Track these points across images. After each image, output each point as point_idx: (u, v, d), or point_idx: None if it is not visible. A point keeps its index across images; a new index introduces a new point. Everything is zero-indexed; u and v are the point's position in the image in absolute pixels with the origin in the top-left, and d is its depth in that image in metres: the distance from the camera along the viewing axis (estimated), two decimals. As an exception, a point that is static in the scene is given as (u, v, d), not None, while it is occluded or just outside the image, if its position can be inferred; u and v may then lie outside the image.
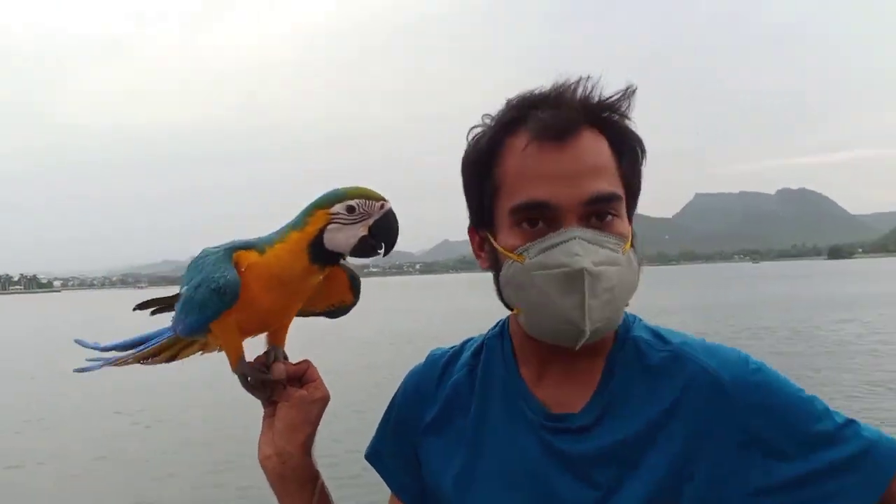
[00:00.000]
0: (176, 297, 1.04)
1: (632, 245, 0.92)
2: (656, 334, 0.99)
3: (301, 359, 1.03)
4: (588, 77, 0.91)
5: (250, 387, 0.98)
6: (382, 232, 0.94)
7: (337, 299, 1.07)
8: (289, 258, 0.94)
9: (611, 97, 0.92)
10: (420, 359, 1.14)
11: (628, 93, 0.93)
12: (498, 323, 1.08)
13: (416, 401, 1.08)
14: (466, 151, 0.98)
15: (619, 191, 0.91)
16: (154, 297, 1.12)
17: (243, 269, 0.94)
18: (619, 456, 0.91)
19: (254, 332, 1.01)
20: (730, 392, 0.90)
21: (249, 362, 0.98)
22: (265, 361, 0.99)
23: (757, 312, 25.51)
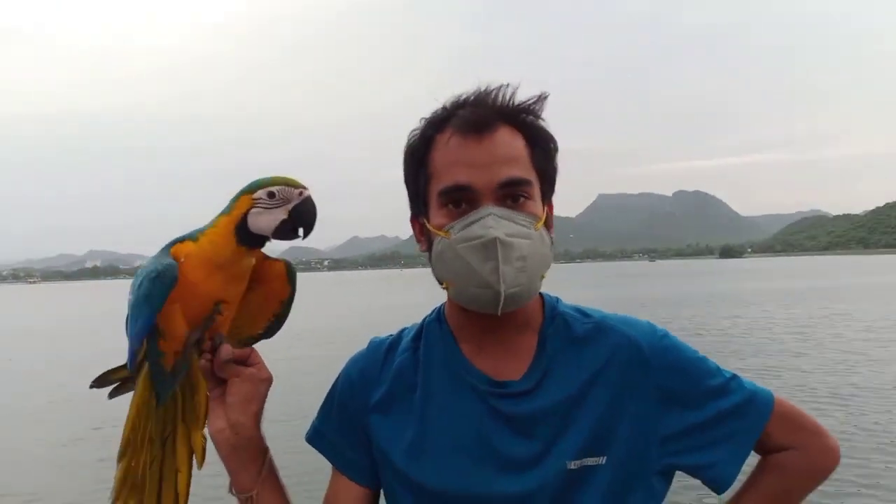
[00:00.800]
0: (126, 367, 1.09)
1: (546, 226, 1.07)
2: (579, 310, 1.16)
3: None
4: (507, 84, 1.07)
5: (199, 367, 1.06)
6: (301, 216, 1.02)
7: (276, 299, 1.15)
8: (219, 241, 1.02)
9: (526, 101, 1.07)
10: (333, 357, 1.20)
11: (541, 97, 1.08)
12: (434, 310, 1.20)
13: (362, 384, 1.16)
14: (405, 148, 1.11)
15: (531, 177, 1.05)
16: (111, 367, 1.13)
17: (182, 260, 1.01)
18: (556, 414, 1.05)
19: (202, 321, 1.05)
20: (647, 355, 1.08)
21: (198, 345, 1.06)
22: (212, 346, 1.06)
23: (652, 308, 26.41)
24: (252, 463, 1.08)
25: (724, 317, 23.37)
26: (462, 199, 1.03)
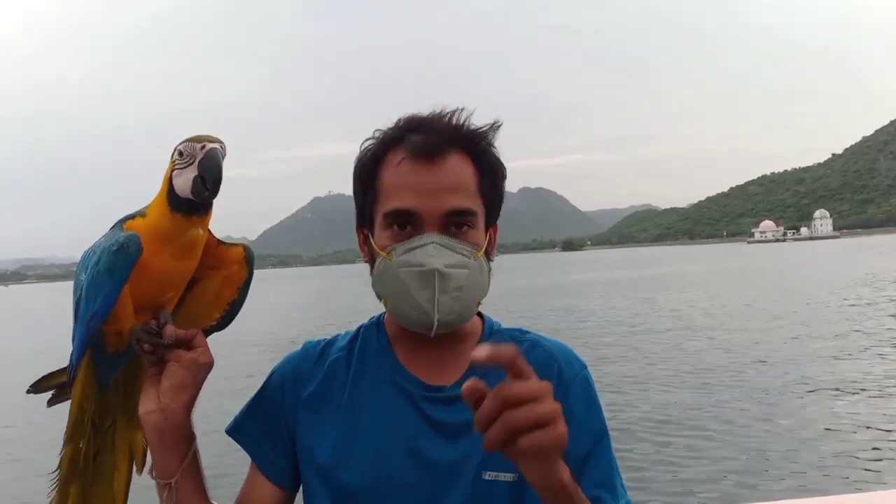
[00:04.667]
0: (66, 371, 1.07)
1: (487, 252, 1.10)
2: (518, 329, 1.20)
3: None
4: (462, 109, 1.09)
5: (141, 348, 1.02)
6: (205, 171, 0.97)
7: (233, 284, 1.14)
8: (159, 212, 0.99)
9: (480, 127, 1.09)
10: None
11: (495, 126, 1.10)
12: (373, 317, 1.21)
13: (293, 381, 1.15)
14: (356, 161, 1.12)
15: (476, 207, 1.07)
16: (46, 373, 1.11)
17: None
18: None
19: (150, 302, 1.03)
20: (565, 379, 1.11)
21: (141, 326, 1.02)
22: (157, 325, 1.02)
23: (498, 302, 27.28)
24: (177, 449, 1.05)
25: (560, 307, 24.74)
26: (406, 223, 1.05)
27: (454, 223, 1.05)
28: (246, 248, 1.15)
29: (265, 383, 1.19)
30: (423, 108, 1.10)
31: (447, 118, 1.07)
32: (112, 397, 1.10)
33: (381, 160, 1.08)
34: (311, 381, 1.15)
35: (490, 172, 1.10)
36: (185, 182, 0.97)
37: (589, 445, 1.09)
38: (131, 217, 1.02)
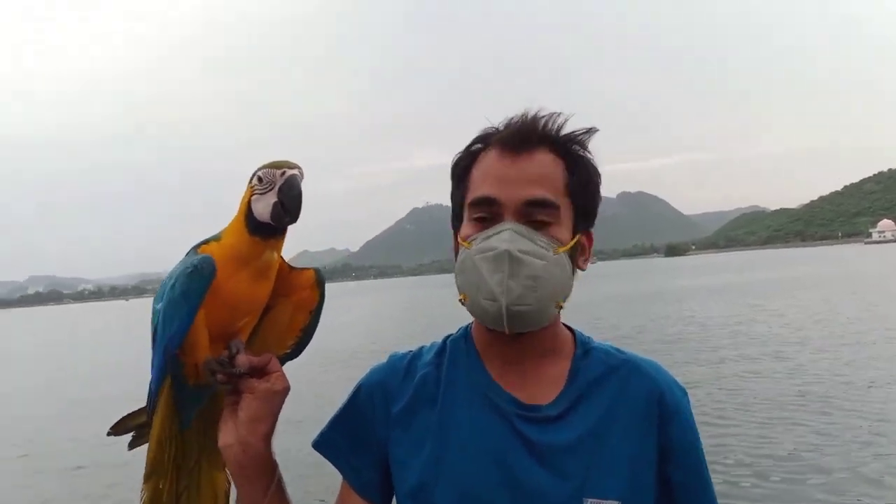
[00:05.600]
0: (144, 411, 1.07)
1: (572, 254, 1.07)
2: (614, 347, 1.16)
3: None
4: (559, 113, 1.08)
5: (215, 379, 1.01)
6: (286, 197, 0.98)
7: (305, 309, 1.14)
8: (236, 236, 1.00)
9: (574, 131, 1.08)
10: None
11: (590, 130, 1.09)
12: (460, 328, 1.19)
13: (383, 395, 1.13)
14: (453, 162, 1.13)
15: (560, 202, 1.05)
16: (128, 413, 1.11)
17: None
18: (581, 448, 1.04)
19: (225, 328, 1.03)
20: (670, 406, 1.08)
21: (214, 357, 1.01)
22: (229, 355, 1.02)
23: (595, 309, 26.50)
24: (259, 481, 1.05)
25: (672, 314, 23.62)
26: (486, 214, 1.05)
27: (533, 215, 1.03)
28: (317, 272, 1.15)
29: (352, 396, 1.17)
30: (521, 110, 1.10)
31: (543, 119, 1.07)
32: (196, 435, 1.09)
33: (475, 157, 1.10)
34: (400, 397, 1.13)
35: (580, 173, 1.08)
36: (265, 207, 0.98)
37: (693, 475, 1.09)
38: (205, 242, 1.03)
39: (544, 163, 1.06)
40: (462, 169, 1.11)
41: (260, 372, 1.04)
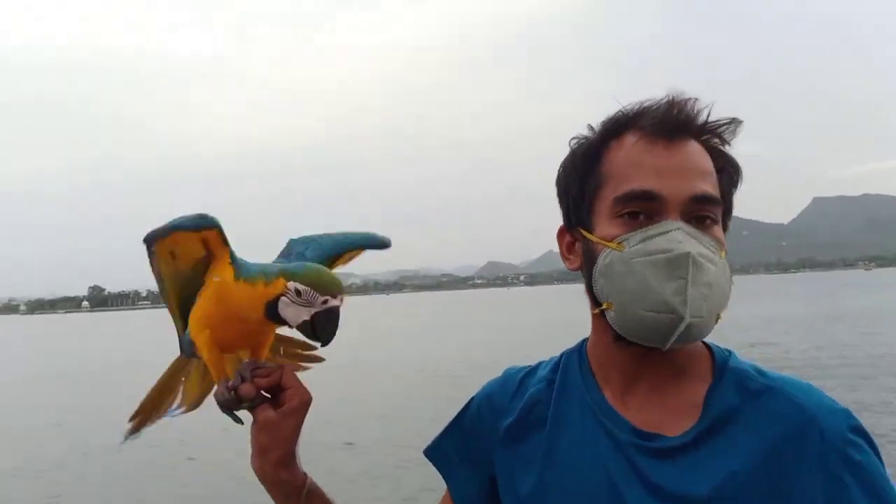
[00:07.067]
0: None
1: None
2: (755, 368, 0.94)
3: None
4: (697, 99, 0.92)
5: (230, 413, 0.97)
6: (320, 326, 0.92)
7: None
8: (248, 305, 0.94)
9: (719, 121, 0.93)
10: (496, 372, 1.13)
11: (735, 121, 0.94)
12: (578, 343, 1.06)
13: (491, 411, 1.07)
14: (568, 156, 0.98)
15: (719, 199, 0.91)
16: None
17: (216, 279, 0.96)
18: (716, 495, 0.84)
19: (233, 346, 1.03)
20: (828, 438, 0.83)
21: (220, 390, 0.97)
22: (233, 385, 0.95)
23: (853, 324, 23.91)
24: (286, 501, 1.00)
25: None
26: (641, 211, 0.88)
27: (697, 213, 0.88)
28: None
29: (465, 407, 1.12)
30: (664, 93, 0.94)
31: (685, 105, 0.91)
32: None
33: (606, 146, 0.93)
34: (508, 415, 1.05)
35: (728, 170, 0.94)
36: (294, 316, 0.92)
37: None
38: (233, 261, 0.97)
39: (701, 154, 0.91)
40: (591, 158, 0.94)
41: (277, 390, 0.96)
